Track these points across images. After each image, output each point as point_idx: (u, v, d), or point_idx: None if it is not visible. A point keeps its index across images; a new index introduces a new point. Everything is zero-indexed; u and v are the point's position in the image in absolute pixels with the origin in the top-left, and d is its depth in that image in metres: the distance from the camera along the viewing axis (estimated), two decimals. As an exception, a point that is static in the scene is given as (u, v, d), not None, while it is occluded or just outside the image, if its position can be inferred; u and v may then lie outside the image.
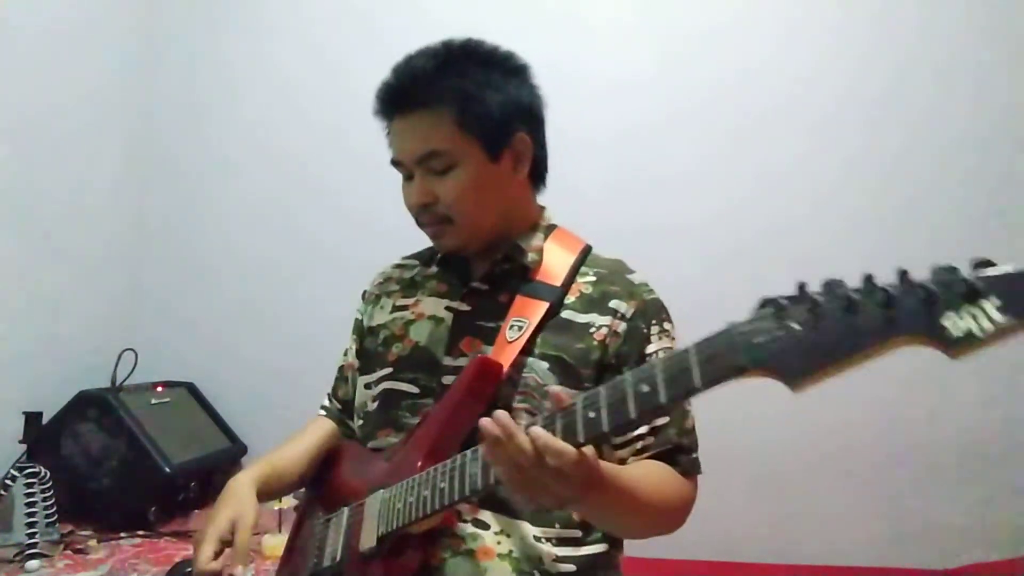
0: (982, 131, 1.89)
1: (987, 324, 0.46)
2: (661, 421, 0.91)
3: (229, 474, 2.28)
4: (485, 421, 0.69)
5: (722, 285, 1.88)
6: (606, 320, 0.94)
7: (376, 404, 1.02)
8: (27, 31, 1.81)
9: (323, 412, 1.19)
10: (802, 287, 0.54)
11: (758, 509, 1.86)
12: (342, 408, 1.17)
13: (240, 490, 0.98)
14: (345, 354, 1.19)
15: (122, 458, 1.73)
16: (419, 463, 0.86)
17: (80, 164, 2.01)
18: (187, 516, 1.84)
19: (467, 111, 0.93)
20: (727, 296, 1.85)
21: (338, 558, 0.93)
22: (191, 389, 2.11)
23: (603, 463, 0.75)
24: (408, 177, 0.99)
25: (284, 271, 2.20)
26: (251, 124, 2.24)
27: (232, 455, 2.08)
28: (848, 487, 1.87)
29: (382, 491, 0.90)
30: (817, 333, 0.51)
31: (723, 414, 1.95)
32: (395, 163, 0.99)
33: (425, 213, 0.97)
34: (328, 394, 1.21)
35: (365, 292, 1.18)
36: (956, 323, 0.47)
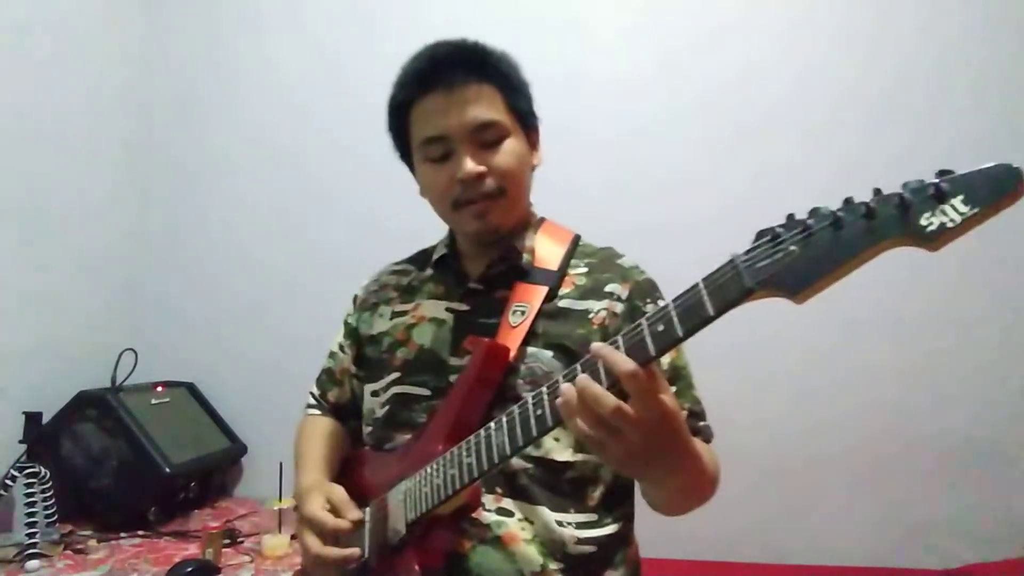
0: (982, 131, 1.89)
1: (956, 216, 0.54)
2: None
3: (229, 474, 2.29)
4: (565, 386, 0.68)
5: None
6: (603, 304, 0.97)
7: (387, 409, 1.03)
8: (27, 31, 1.81)
9: (316, 412, 1.18)
10: (791, 216, 0.61)
11: (757, 509, 1.86)
12: (333, 410, 1.17)
13: (319, 483, 1.00)
14: (332, 356, 1.18)
15: (122, 458, 1.73)
16: (439, 448, 0.88)
17: (80, 164, 2.01)
18: (187, 516, 1.84)
19: (513, 90, 0.98)
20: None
21: (366, 554, 0.94)
22: (191, 389, 2.12)
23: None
24: (441, 158, 0.96)
25: (284, 271, 2.20)
26: (251, 124, 2.24)
27: (232, 455, 2.08)
28: (847, 487, 1.87)
29: (403, 482, 0.91)
30: (811, 250, 0.59)
31: (722, 414, 1.96)
32: (431, 140, 0.96)
33: (475, 187, 0.95)
34: (314, 396, 1.19)
35: (356, 297, 1.17)
36: (931, 220, 0.55)
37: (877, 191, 0.58)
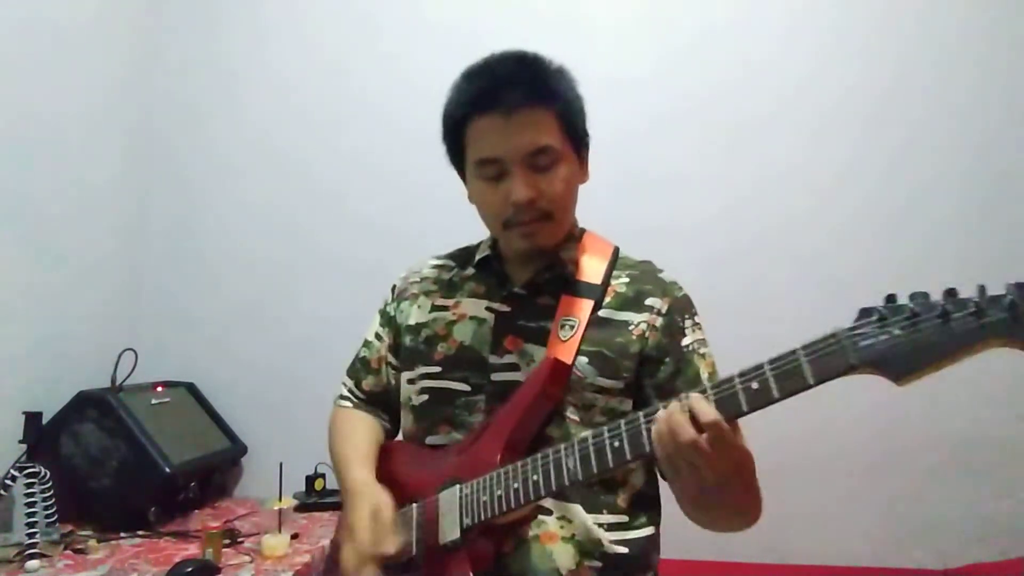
0: (981, 131, 1.89)
1: None
2: None
3: (229, 474, 2.29)
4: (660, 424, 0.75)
5: (721, 285, 1.89)
6: (643, 316, 1.00)
7: (426, 400, 1.05)
8: (27, 31, 1.81)
9: (348, 404, 1.18)
10: (892, 297, 0.65)
11: (758, 509, 1.86)
12: (367, 400, 1.17)
13: (367, 486, 1.01)
14: (367, 346, 1.18)
15: (122, 458, 1.73)
16: (497, 458, 0.91)
17: (80, 164, 2.01)
18: (187, 516, 1.84)
19: (568, 113, 0.99)
20: (726, 296, 1.87)
21: (413, 552, 0.96)
22: (191, 389, 2.11)
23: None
24: (494, 177, 0.98)
25: (284, 271, 2.20)
26: (251, 124, 2.25)
27: (232, 455, 2.08)
28: (847, 487, 1.88)
29: (458, 486, 0.94)
30: (917, 337, 0.63)
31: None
32: (486, 161, 0.98)
33: (526, 210, 0.97)
34: (348, 386, 1.19)
35: (395, 287, 1.18)
36: None
37: (982, 288, 0.61)
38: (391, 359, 1.15)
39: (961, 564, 1.78)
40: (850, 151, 1.94)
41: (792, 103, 1.97)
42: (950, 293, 0.62)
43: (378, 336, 1.17)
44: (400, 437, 1.15)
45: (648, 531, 0.99)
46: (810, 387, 0.68)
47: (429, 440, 1.04)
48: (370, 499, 0.97)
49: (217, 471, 2.04)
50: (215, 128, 2.26)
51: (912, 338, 0.63)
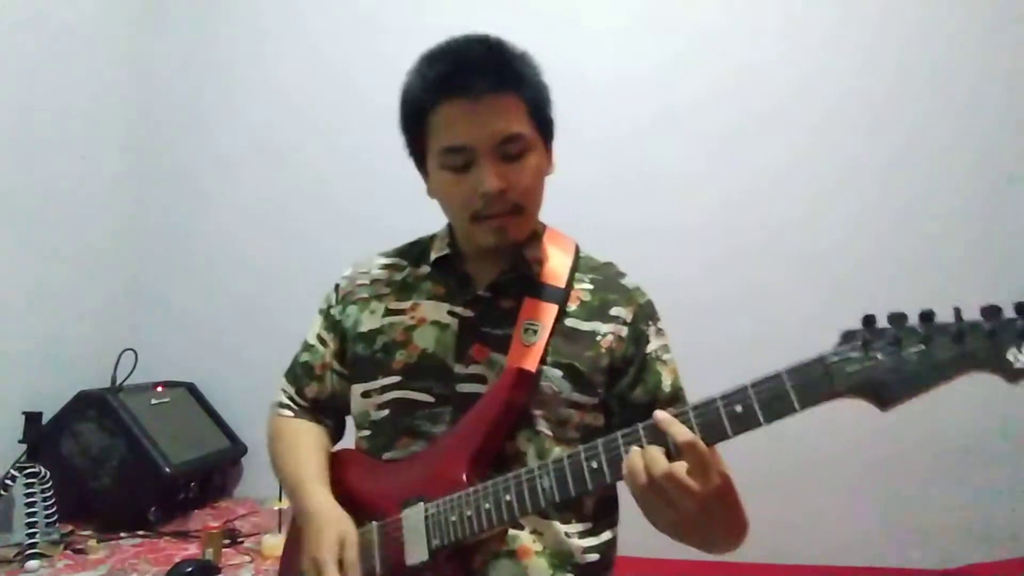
0: (981, 131, 1.89)
1: None
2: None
3: (229, 474, 2.28)
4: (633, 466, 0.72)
5: (721, 285, 1.89)
6: (610, 327, 0.97)
7: (386, 413, 0.98)
8: (27, 31, 1.81)
9: (289, 413, 1.10)
10: (871, 319, 0.65)
11: (756, 509, 1.85)
12: (310, 407, 1.11)
13: (332, 512, 0.94)
14: (309, 350, 1.11)
15: (122, 458, 1.73)
16: (464, 475, 0.88)
17: (80, 164, 2.01)
18: (187, 516, 1.84)
19: (537, 100, 0.94)
20: (725, 296, 1.87)
21: (378, 573, 0.91)
22: (191, 389, 2.12)
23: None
24: (461, 167, 0.91)
25: (284, 271, 2.20)
26: (250, 124, 2.25)
27: (232, 455, 2.08)
28: (847, 487, 1.87)
29: (423, 504, 0.89)
30: (901, 364, 0.64)
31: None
32: (455, 149, 0.91)
33: (497, 202, 0.91)
34: (288, 392, 1.12)
35: (338, 287, 1.11)
36: (1017, 356, 0.59)
37: (957, 311, 0.61)
38: (336, 366, 1.08)
39: (961, 564, 1.78)
40: (850, 152, 1.94)
41: (792, 103, 1.97)
42: (925, 317, 0.62)
43: (321, 340, 1.09)
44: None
45: (610, 535, 0.98)
46: (796, 412, 0.68)
47: (387, 456, 0.98)
48: (336, 527, 0.90)
49: (217, 471, 2.04)
50: (214, 128, 2.26)
51: (896, 366, 0.64)
